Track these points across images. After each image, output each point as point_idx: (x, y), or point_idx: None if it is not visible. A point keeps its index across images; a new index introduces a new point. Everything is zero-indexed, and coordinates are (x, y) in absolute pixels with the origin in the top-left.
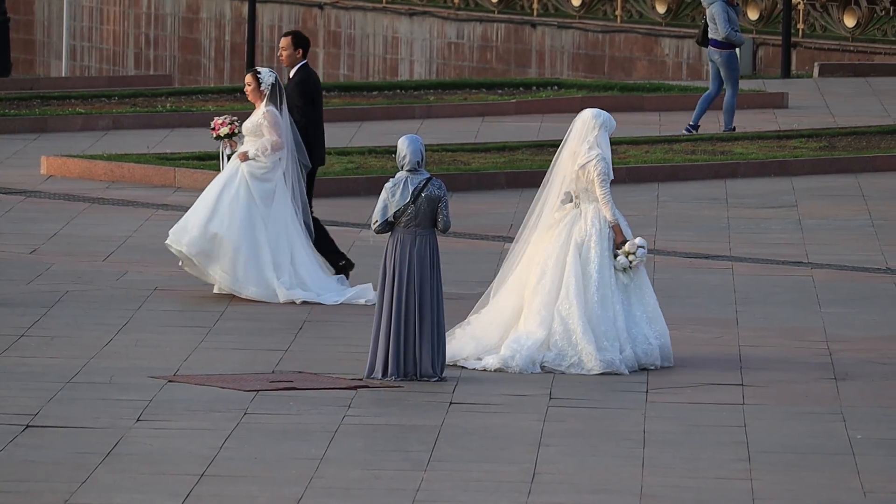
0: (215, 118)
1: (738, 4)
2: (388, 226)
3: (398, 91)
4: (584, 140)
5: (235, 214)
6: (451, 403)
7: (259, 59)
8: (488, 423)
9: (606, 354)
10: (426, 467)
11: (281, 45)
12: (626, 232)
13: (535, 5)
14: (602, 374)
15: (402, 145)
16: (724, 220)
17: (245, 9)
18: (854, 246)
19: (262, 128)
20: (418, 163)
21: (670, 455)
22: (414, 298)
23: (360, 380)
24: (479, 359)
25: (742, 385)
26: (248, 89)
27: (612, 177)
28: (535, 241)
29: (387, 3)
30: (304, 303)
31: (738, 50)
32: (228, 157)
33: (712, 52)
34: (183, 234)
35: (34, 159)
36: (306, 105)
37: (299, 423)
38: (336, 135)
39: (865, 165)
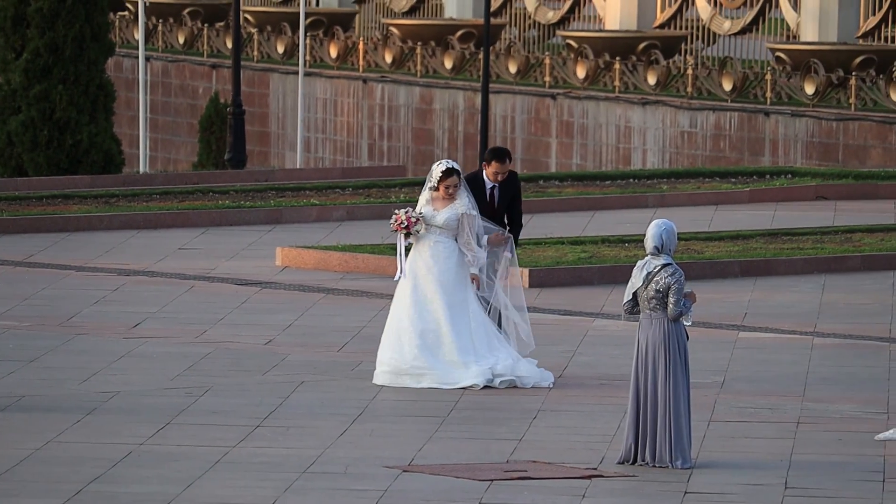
0: (403, 211)
1: None
2: (635, 306)
3: (631, 180)
4: None
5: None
6: (685, 493)
7: None
8: None
9: None
10: None
11: (501, 168)
12: None
13: (769, 94)
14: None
15: (648, 228)
16: None
17: (478, 99)
18: None
19: (465, 224)
20: (656, 247)
21: None
22: (645, 383)
23: (595, 469)
24: None
25: None
26: (451, 191)
27: None
28: None
29: (619, 92)
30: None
31: None
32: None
33: None
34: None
35: (269, 250)
36: None
37: None
38: (569, 224)
39: None
